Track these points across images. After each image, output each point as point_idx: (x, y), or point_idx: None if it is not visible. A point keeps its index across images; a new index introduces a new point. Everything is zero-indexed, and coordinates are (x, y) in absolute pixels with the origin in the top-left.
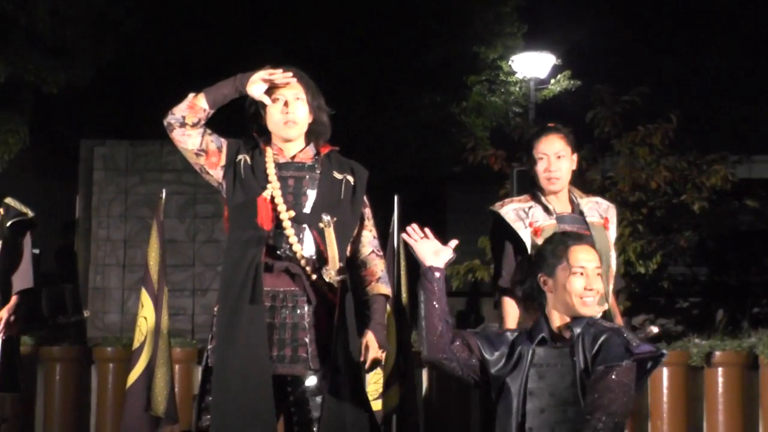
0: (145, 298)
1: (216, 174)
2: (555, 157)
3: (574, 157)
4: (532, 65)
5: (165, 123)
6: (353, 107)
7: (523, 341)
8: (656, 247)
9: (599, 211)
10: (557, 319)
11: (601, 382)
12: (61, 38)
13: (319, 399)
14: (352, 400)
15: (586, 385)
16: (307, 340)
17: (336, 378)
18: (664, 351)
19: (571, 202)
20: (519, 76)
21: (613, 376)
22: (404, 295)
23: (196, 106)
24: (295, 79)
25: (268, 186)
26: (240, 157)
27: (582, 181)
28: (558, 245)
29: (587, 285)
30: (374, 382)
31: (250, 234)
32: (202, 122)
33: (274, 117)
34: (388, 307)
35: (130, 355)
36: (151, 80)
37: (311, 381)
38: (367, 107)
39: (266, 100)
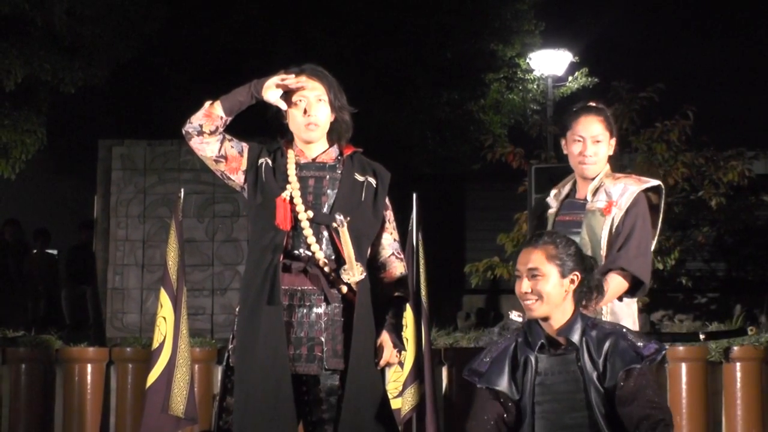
0: (164, 298)
1: (238, 178)
2: (592, 141)
3: (613, 141)
4: (550, 63)
5: (183, 132)
6: (372, 105)
7: (523, 349)
8: (674, 243)
9: (616, 193)
10: (543, 323)
11: (630, 388)
12: (79, 38)
13: (333, 399)
14: (370, 400)
15: (617, 397)
16: (323, 339)
17: (354, 378)
18: (666, 346)
19: (596, 186)
20: (537, 73)
21: (636, 379)
22: (423, 293)
23: (212, 114)
24: (316, 81)
25: (288, 186)
26: (261, 160)
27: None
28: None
29: (522, 288)
30: (393, 381)
31: (269, 235)
32: (220, 129)
33: (296, 119)
34: (408, 308)
35: (149, 356)
36: (169, 79)
37: (326, 381)
38: (385, 105)
39: (282, 104)
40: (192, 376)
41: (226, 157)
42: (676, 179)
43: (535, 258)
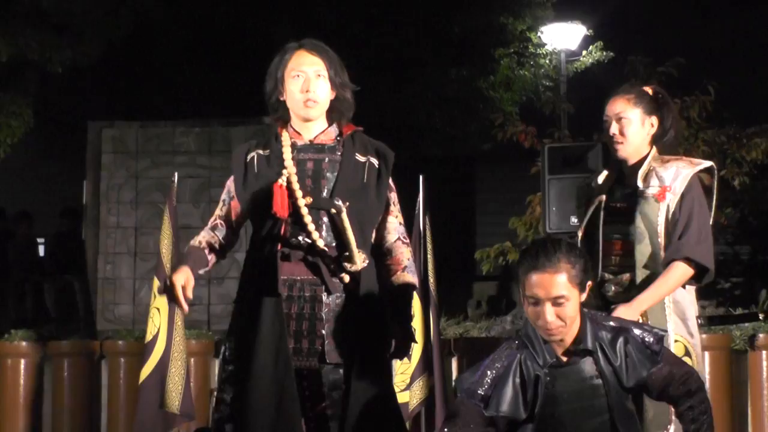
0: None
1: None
2: (615, 119)
3: (652, 119)
4: (563, 36)
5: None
6: (376, 83)
7: (531, 366)
8: None
9: (668, 177)
10: (554, 340)
11: (660, 382)
12: (67, 14)
13: (336, 395)
14: (376, 394)
15: (651, 391)
16: (324, 332)
17: (358, 371)
18: (666, 330)
19: (646, 171)
20: (549, 48)
21: (661, 374)
22: (431, 280)
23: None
24: (315, 56)
25: (284, 171)
26: (251, 154)
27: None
28: (520, 267)
29: (547, 317)
30: (401, 374)
31: (267, 224)
32: (213, 259)
33: (294, 96)
34: (416, 297)
35: (142, 349)
36: (163, 58)
37: (329, 375)
38: (390, 83)
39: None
40: (188, 370)
41: (237, 221)
42: (697, 157)
43: (559, 284)
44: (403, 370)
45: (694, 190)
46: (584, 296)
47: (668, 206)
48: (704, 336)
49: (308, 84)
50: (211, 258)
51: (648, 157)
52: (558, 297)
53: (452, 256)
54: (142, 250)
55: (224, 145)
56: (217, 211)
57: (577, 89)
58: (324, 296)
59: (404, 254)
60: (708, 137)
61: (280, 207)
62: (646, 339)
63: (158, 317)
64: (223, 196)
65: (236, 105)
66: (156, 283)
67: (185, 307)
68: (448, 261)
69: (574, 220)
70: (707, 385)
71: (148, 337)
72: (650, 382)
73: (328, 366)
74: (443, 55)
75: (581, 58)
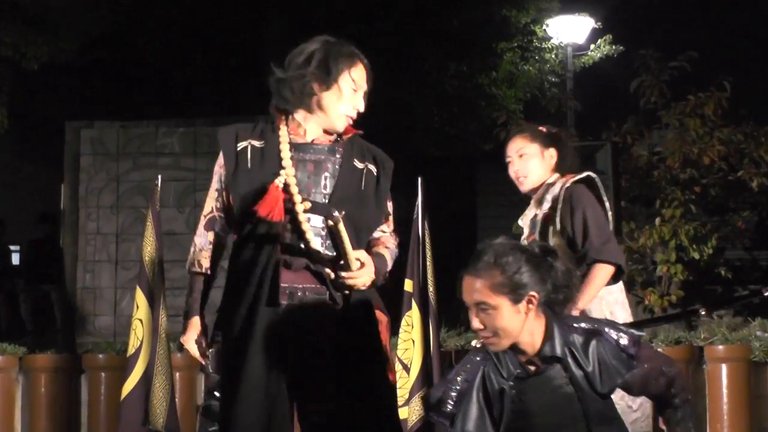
0: (141, 298)
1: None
2: (517, 156)
3: (550, 151)
4: (569, 29)
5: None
6: (372, 80)
7: (495, 379)
8: (711, 229)
9: (553, 196)
10: (514, 350)
11: (638, 383)
12: (44, 8)
13: (332, 405)
14: (375, 410)
15: (631, 391)
16: (323, 342)
17: (355, 383)
18: (642, 333)
19: (539, 198)
20: (555, 41)
21: (639, 376)
22: (431, 289)
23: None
24: (368, 81)
25: (282, 171)
26: (243, 144)
27: (627, 158)
28: None
29: (473, 325)
30: (399, 388)
31: (263, 228)
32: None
33: (341, 106)
34: (414, 307)
35: (124, 363)
36: (145, 54)
37: (325, 386)
38: (386, 79)
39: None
40: (172, 386)
41: (228, 205)
42: (712, 158)
43: (479, 290)
44: (401, 385)
45: (583, 199)
46: (526, 308)
47: (556, 222)
48: (721, 347)
49: (358, 103)
50: (219, 275)
51: (544, 185)
52: (479, 303)
53: (452, 262)
54: (124, 257)
55: (210, 146)
56: (213, 203)
57: (584, 85)
58: (322, 306)
59: (389, 240)
60: (724, 136)
61: (276, 210)
62: (621, 342)
63: (141, 329)
64: (215, 185)
65: (222, 104)
66: (139, 292)
67: (203, 361)
68: (449, 268)
69: None
70: (725, 399)
71: (131, 350)
72: (629, 382)
73: (325, 376)
74: (442, 50)
75: (589, 53)
